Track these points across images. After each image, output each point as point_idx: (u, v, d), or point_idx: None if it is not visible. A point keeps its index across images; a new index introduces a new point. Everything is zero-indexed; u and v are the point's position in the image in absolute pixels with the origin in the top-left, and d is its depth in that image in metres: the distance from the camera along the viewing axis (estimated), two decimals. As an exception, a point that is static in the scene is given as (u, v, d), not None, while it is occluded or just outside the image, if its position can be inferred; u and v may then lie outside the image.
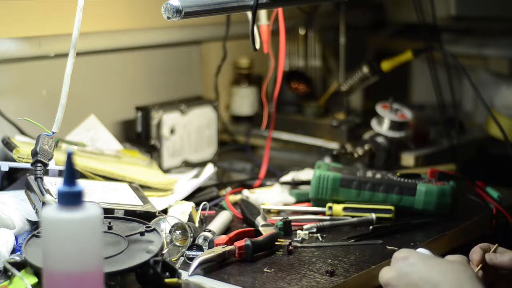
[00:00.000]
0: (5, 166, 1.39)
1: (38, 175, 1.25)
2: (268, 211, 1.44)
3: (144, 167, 1.59)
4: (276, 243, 1.25)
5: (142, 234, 1.16)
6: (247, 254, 1.20)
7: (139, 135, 1.72)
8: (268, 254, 1.23)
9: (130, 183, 1.45)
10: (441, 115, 1.83)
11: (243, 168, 1.75)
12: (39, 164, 1.27)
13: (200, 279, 1.13)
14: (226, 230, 1.33)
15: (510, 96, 2.07)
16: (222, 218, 1.34)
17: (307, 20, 2.03)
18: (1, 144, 1.47)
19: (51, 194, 1.22)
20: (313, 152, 1.85)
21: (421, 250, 1.13)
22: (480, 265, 1.15)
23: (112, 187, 1.41)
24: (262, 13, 1.59)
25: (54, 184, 1.30)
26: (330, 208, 1.40)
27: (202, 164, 1.70)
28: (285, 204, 1.48)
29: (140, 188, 1.44)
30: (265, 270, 1.17)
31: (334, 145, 1.83)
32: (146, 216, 1.29)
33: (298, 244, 1.27)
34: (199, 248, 1.21)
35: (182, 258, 1.20)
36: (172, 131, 1.72)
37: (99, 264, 0.92)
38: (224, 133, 1.96)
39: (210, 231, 1.26)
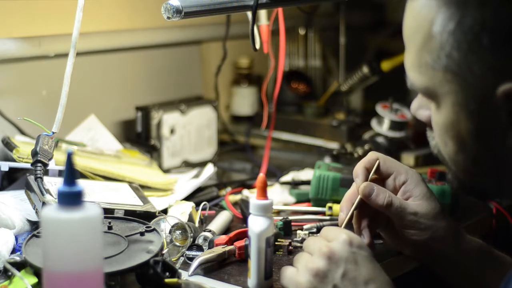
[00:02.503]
0: (5, 166, 1.39)
1: (38, 175, 1.25)
2: (268, 211, 1.44)
3: (144, 167, 1.59)
4: (276, 243, 1.25)
5: (142, 234, 1.16)
6: (247, 254, 1.19)
7: (139, 135, 1.72)
8: (268, 254, 1.23)
9: (130, 183, 1.45)
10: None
11: (243, 168, 1.75)
12: (39, 164, 1.27)
13: (200, 279, 1.13)
14: (226, 230, 1.33)
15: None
16: (222, 218, 1.34)
17: (307, 20, 2.03)
18: (1, 144, 1.47)
19: (51, 194, 1.22)
20: (313, 152, 1.85)
21: None
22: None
23: (112, 187, 1.41)
24: (262, 13, 1.59)
25: (54, 184, 1.30)
26: (330, 208, 1.40)
27: (202, 164, 1.70)
28: (285, 204, 1.48)
29: (140, 188, 1.44)
30: (265, 270, 1.17)
31: (334, 145, 1.83)
32: (146, 216, 1.29)
33: (298, 244, 1.27)
34: (199, 248, 1.21)
35: (182, 258, 1.20)
36: (172, 131, 1.72)
37: (99, 264, 0.92)
38: (224, 133, 1.96)
39: (210, 231, 1.26)
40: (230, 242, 1.22)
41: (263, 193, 1.09)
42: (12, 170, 1.41)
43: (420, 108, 1.03)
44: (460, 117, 0.95)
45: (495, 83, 0.90)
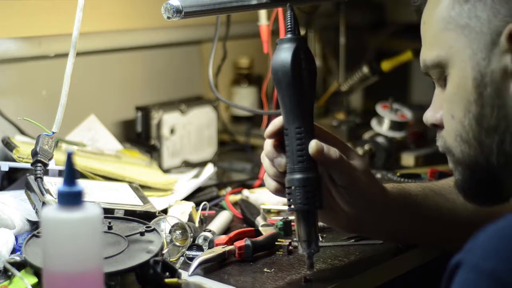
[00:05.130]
0: (5, 166, 1.39)
1: (38, 175, 1.25)
2: (268, 211, 1.44)
3: (144, 167, 1.59)
4: (276, 243, 1.25)
5: (142, 234, 1.16)
6: (247, 254, 1.20)
7: (139, 135, 1.72)
8: (268, 254, 1.23)
9: (130, 183, 1.45)
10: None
11: (243, 168, 1.75)
12: (39, 164, 1.27)
13: (200, 279, 1.13)
14: (226, 230, 1.33)
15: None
16: (222, 218, 1.34)
17: (307, 20, 2.03)
18: (1, 144, 1.47)
19: (51, 194, 1.22)
20: (313, 152, 1.84)
21: None
22: None
23: (112, 187, 1.41)
24: (262, 13, 1.59)
25: (54, 184, 1.30)
26: (330, 208, 1.40)
27: (202, 164, 1.70)
28: (285, 204, 1.47)
29: (140, 188, 1.44)
30: (265, 270, 1.17)
31: (334, 145, 1.82)
32: (146, 216, 1.29)
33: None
34: (199, 248, 1.21)
35: (182, 258, 1.20)
36: (172, 131, 1.72)
37: (99, 264, 0.92)
38: (224, 133, 1.96)
39: (210, 231, 1.26)
40: (230, 242, 1.22)
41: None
42: (12, 170, 1.41)
43: (433, 114, 1.06)
44: (467, 72, 0.98)
45: (501, 26, 0.95)
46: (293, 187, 1.09)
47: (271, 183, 1.14)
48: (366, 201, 1.14)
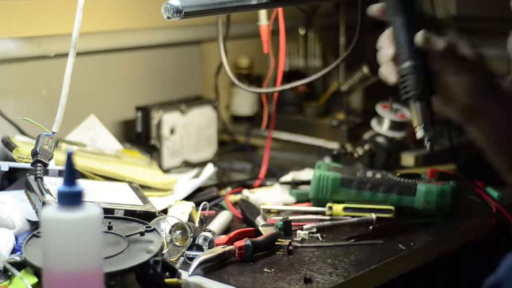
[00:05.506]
0: (5, 166, 1.39)
1: (38, 175, 1.25)
2: (268, 211, 1.44)
3: (144, 167, 1.59)
4: (276, 243, 1.25)
5: (142, 234, 1.16)
6: (247, 254, 1.20)
7: (139, 135, 1.72)
8: (268, 254, 1.23)
9: (130, 183, 1.45)
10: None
11: (243, 168, 1.75)
12: (39, 164, 1.27)
13: (200, 279, 1.13)
14: (226, 230, 1.33)
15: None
16: (222, 218, 1.34)
17: (307, 20, 2.03)
18: (1, 144, 1.47)
19: (51, 194, 1.22)
20: (313, 152, 1.85)
21: None
22: None
23: (112, 187, 1.41)
24: (262, 13, 1.59)
25: (54, 184, 1.30)
26: (330, 208, 1.40)
27: (202, 164, 1.70)
28: (285, 204, 1.48)
29: (140, 188, 1.44)
30: (265, 270, 1.17)
31: (334, 145, 1.83)
32: (146, 216, 1.29)
33: (298, 244, 1.27)
34: (199, 248, 1.21)
35: (182, 258, 1.20)
36: (172, 131, 1.72)
37: (99, 264, 0.92)
38: (224, 133, 1.96)
39: (210, 231, 1.26)
40: (230, 242, 1.22)
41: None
42: (12, 170, 1.41)
43: None
44: None
45: None
46: (406, 75, 1.13)
47: (386, 70, 1.17)
48: (477, 91, 1.14)
